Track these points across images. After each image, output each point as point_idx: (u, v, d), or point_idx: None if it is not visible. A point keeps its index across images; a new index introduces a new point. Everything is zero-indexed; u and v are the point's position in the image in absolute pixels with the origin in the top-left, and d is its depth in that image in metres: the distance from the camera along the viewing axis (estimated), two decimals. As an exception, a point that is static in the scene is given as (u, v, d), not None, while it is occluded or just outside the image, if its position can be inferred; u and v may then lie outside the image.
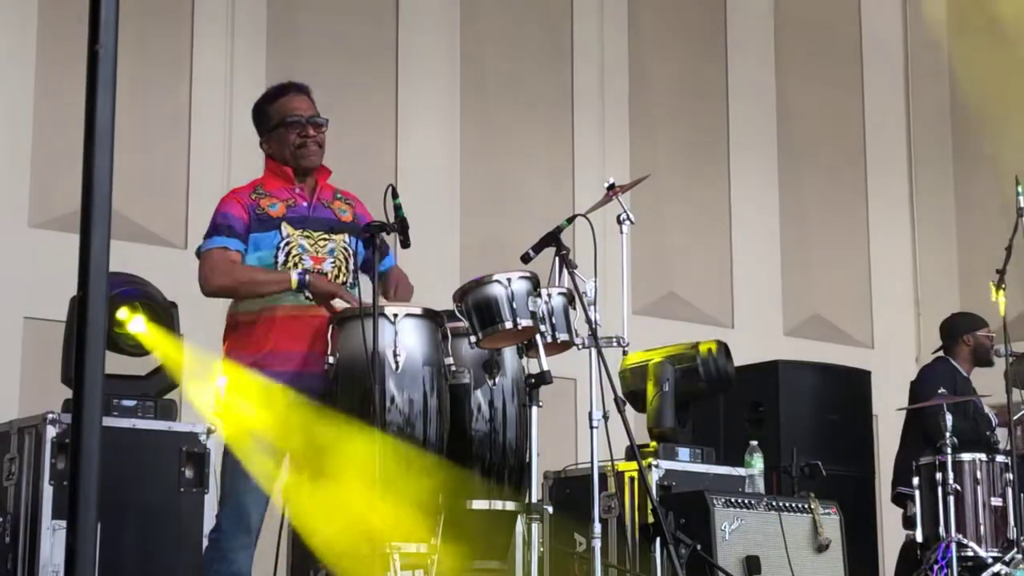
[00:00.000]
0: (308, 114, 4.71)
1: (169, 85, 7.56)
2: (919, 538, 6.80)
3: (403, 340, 4.39)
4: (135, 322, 5.35)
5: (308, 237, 4.60)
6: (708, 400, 6.81)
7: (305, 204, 4.66)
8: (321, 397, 4.41)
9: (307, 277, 4.48)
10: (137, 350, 5.41)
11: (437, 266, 7.86)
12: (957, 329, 7.73)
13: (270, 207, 4.61)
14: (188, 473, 5.29)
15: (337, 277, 4.63)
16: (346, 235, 4.67)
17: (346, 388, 4.38)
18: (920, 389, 7.49)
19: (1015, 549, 6.65)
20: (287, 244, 4.57)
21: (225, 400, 4.53)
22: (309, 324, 4.49)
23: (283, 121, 4.68)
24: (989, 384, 7.47)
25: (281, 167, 4.69)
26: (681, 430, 6.52)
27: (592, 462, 4.80)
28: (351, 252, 4.69)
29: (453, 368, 4.49)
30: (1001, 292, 6.77)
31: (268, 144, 4.74)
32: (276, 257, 4.57)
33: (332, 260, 4.62)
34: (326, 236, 4.63)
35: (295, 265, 4.55)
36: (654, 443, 6.24)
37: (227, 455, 4.51)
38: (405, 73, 8.36)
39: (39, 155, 7.08)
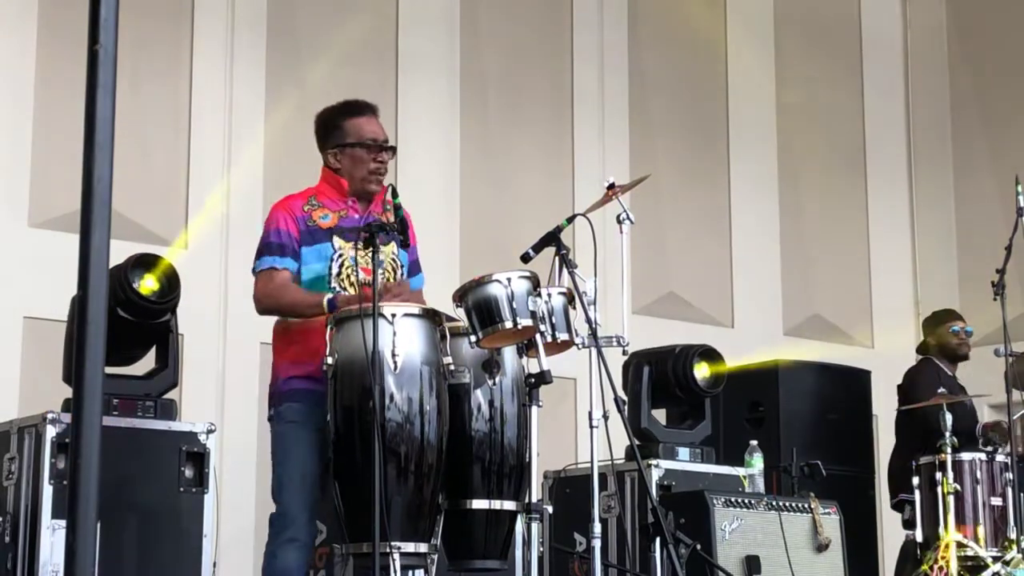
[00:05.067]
0: (383, 139, 4.80)
1: (169, 85, 7.56)
2: (919, 538, 6.80)
3: (401, 340, 4.39)
4: (147, 282, 5.39)
5: (359, 249, 4.63)
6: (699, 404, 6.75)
7: (357, 216, 4.71)
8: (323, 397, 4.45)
9: (336, 301, 4.53)
10: (160, 301, 5.43)
11: (437, 266, 7.86)
12: (925, 332, 7.77)
13: (321, 218, 4.69)
14: (188, 473, 5.28)
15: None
16: (393, 246, 4.71)
17: (345, 388, 4.39)
18: (917, 389, 7.49)
19: (1015, 549, 6.65)
20: (340, 256, 4.63)
21: (281, 412, 4.61)
22: None
23: (361, 141, 4.75)
24: (990, 384, 7.47)
25: (339, 179, 4.76)
26: (687, 431, 6.53)
27: (592, 462, 4.80)
28: (399, 263, 4.76)
29: (452, 367, 4.49)
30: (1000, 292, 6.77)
31: (337, 159, 4.78)
32: (330, 269, 4.66)
33: (381, 271, 4.63)
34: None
35: (347, 276, 4.59)
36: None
37: (279, 465, 4.60)
38: (405, 73, 8.36)
39: (39, 155, 7.08)
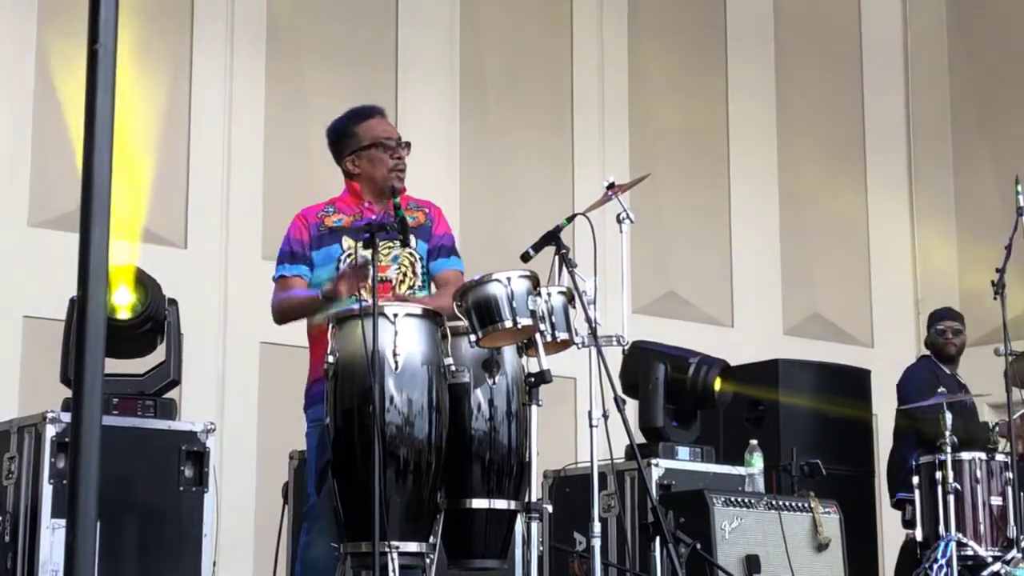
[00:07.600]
0: (397, 136, 4.86)
1: (169, 85, 7.56)
2: (919, 537, 6.80)
3: (402, 340, 4.39)
4: (123, 298, 5.34)
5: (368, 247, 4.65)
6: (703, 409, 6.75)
7: (373, 216, 4.73)
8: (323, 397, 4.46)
9: (325, 287, 4.56)
10: (138, 315, 5.39)
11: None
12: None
13: (335, 222, 4.76)
14: (188, 472, 5.29)
15: (403, 282, 4.76)
16: (412, 240, 4.73)
17: (345, 387, 4.38)
18: (907, 390, 7.51)
19: (1015, 548, 6.65)
20: (348, 256, 4.67)
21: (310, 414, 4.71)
22: None
23: (377, 142, 4.80)
24: (989, 383, 7.47)
25: (355, 186, 4.83)
26: (685, 432, 6.52)
27: (592, 461, 4.80)
28: (417, 257, 4.79)
29: (452, 367, 4.49)
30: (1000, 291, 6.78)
31: (355, 164, 4.83)
32: (337, 269, 4.69)
33: (396, 267, 4.71)
34: (390, 243, 4.69)
35: None
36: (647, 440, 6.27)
37: (310, 464, 4.71)
38: (405, 74, 8.36)
39: (39, 155, 7.08)
